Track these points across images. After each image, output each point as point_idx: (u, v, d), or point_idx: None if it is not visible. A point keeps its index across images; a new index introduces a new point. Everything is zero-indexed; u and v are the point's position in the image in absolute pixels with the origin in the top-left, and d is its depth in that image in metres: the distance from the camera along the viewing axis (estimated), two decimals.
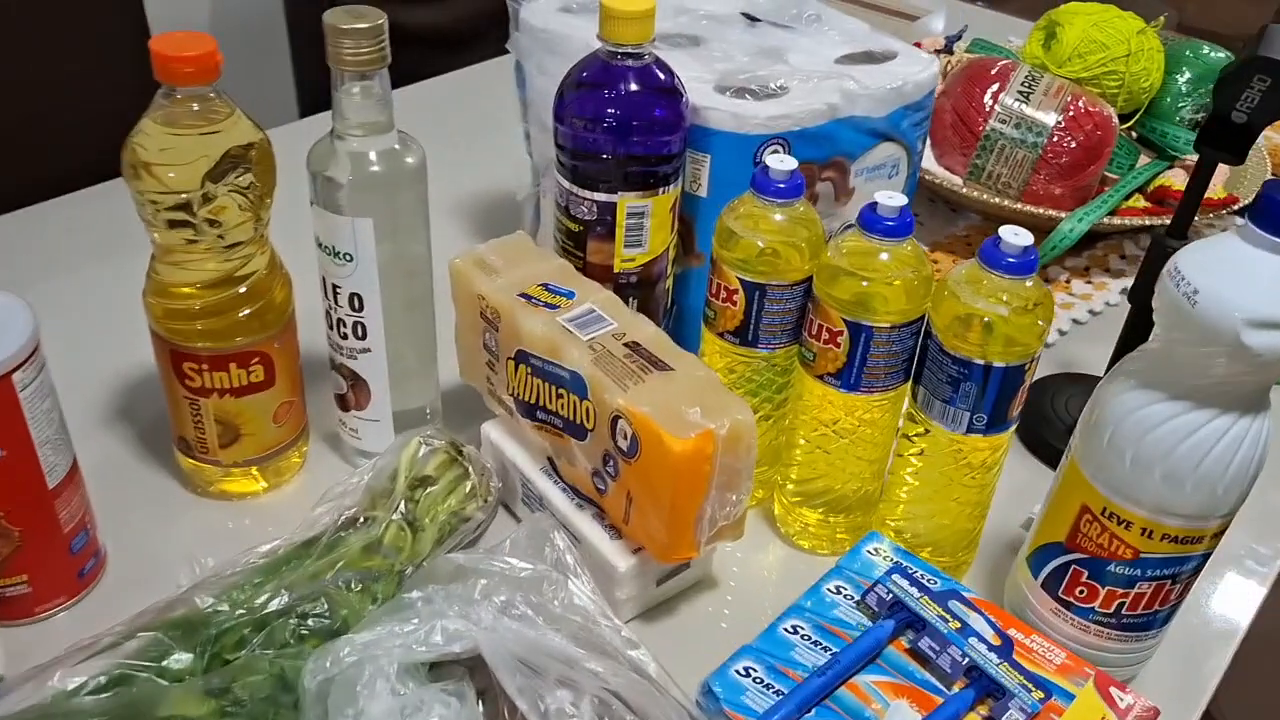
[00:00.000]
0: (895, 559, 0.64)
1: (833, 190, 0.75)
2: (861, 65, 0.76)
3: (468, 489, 0.65)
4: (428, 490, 0.64)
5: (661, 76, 0.66)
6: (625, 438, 0.58)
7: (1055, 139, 0.91)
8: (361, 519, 0.62)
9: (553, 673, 0.52)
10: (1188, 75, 0.98)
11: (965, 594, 0.61)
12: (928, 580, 0.62)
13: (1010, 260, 0.56)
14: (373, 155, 0.62)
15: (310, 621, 0.55)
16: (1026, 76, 0.93)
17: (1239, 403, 0.51)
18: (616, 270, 0.69)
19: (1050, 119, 0.91)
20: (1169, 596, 0.58)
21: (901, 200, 0.58)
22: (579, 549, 0.63)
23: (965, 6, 1.61)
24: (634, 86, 0.65)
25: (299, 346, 0.69)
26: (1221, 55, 0.99)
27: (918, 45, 1.08)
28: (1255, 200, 0.48)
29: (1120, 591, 0.57)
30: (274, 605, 0.55)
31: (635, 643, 0.54)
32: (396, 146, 0.63)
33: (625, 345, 0.61)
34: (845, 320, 0.60)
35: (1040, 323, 0.57)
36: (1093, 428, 0.56)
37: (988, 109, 0.93)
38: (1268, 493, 0.77)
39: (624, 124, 0.65)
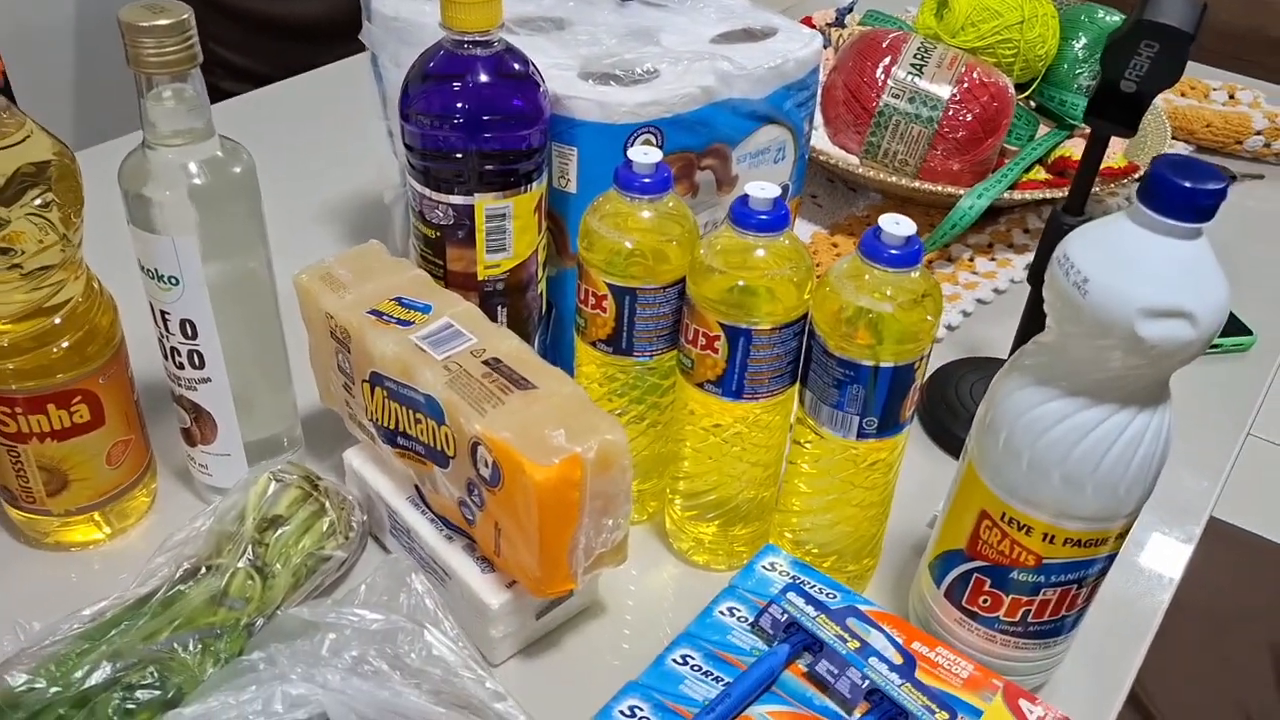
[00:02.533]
0: (792, 574, 0.60)
1: (714, 179, 0.70)
2: (740, 44, 0.71)
3: (325, 526, 0.59)
4: (279, 531, 0.58)
5: (515, 65, 0.60)
6: (486, 465, 0.53)
7: (951, 112, 0.87)
8: (204, 568, 0.56)
9: None
10: (1084, 40, 0.95)
11: (866, 609, 0.57)
12: (826, 595, 0.58)
13: (893, 252, 0.52)
14: (192, 166, 0.55)
15: (139, 694, 0.49)
16: (919, 48, 0.89)
17: (1138, 397, 0.48)
18: (481, 278, 0.64)
19: (945, 91, 0.87)
20: (1076, 601, 0.54)
21: (774, 191, 0.54)
22: (449, 585, 0.58)
23: None
24: (484, 77, 0.59)
25: (132, 379, 0.62)
26: (1118, 19, 0.96)
27: (807, 20, 1.04)
28: (1143, 179, 0.44)
29: (1025, 599, 0.54)
30: (96, 678, 0.49)
31: (503, 694, 0.49)
32: (219, 154, 0.56)
33: (484, 363, 0.56)
34: (722, 324, 0.55)
35: (929, 317, 0.53)
36: (988, 428, 0.52)
37: (880, 84, 0.88)
38: (1173, 477, 0.74)
39: (475, 119, 0.59)
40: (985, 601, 0.55)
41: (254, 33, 1.62)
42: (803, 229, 0.94)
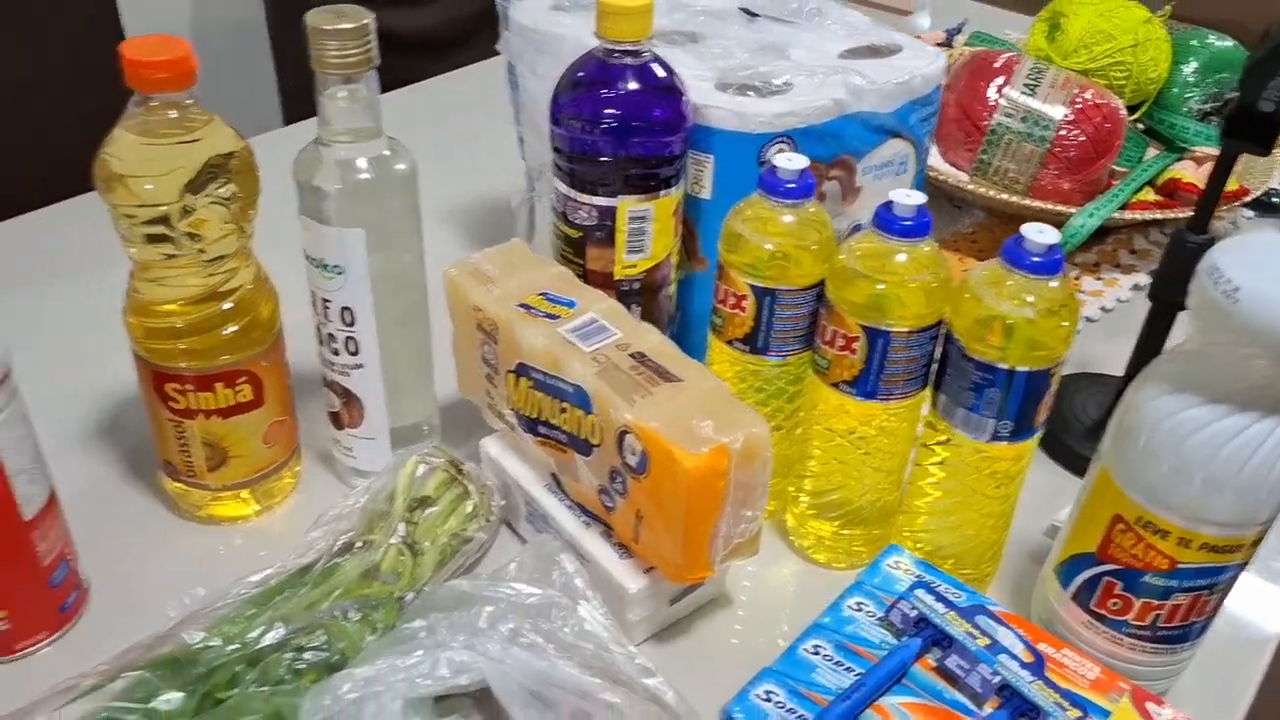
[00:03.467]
0: (917, 573, 0.61)
1: (840, 189, 0.72)
2: (866, 60, 0.73)
3: (469, 509, 0.62)
4: (427, 511, 0.61)
5: (661, 74, 0.63)
6: (634, 454, 0.55)
7: (1063, 132, 0.88)
8: (358, 543, 0.59)
9: (565, 706, 0.49)
10: (1195, 65, 0.96)
11: (992, 608, 0.58)
12: (952, 595, 0.60)
13: (1035, 260, 0.53)
14: (361, 163, 0.59)
15: (307, 655, 0.52)
16: (1032, 69, 0.90)
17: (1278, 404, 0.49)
18: (618, 277, 0.66)
19: (1058, 112, 0.89)
20: (1205, 607, 0.55)
21: (919, 199, 0.56)
22: (587, 570, 0.61)
23: (955, 1, 1.59)
24: (633, 85, 0.62)
25: (288, 363, 0.66)
26: (1229, 44, 0.97)
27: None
28: None
29: (1155, 603, 0.55)
30: (268, 639, 0.52)
31: (651, 670, 0.51)
32: (386, 153, 0.60)
33: (630, 356, 0.58)
34: (861, 325, 0.57)
35: (1066, 324, 0.54)
36: (1125, 434, 0.53)
37: (993, 103, 0.90)
38: None
39: (623, 125, 0.62)
40: (1115, 605, 0.56)
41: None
42: None
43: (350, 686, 0.48)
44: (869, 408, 0.59)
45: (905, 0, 1.42)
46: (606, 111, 0.62)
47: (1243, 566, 0.54)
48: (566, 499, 0.63)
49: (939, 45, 1.04)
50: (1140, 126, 0.99)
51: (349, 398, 0.65)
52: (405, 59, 1.34)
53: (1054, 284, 0.54)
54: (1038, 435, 0.58)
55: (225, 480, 0.65)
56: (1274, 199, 1.05)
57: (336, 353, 0.64)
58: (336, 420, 0.67)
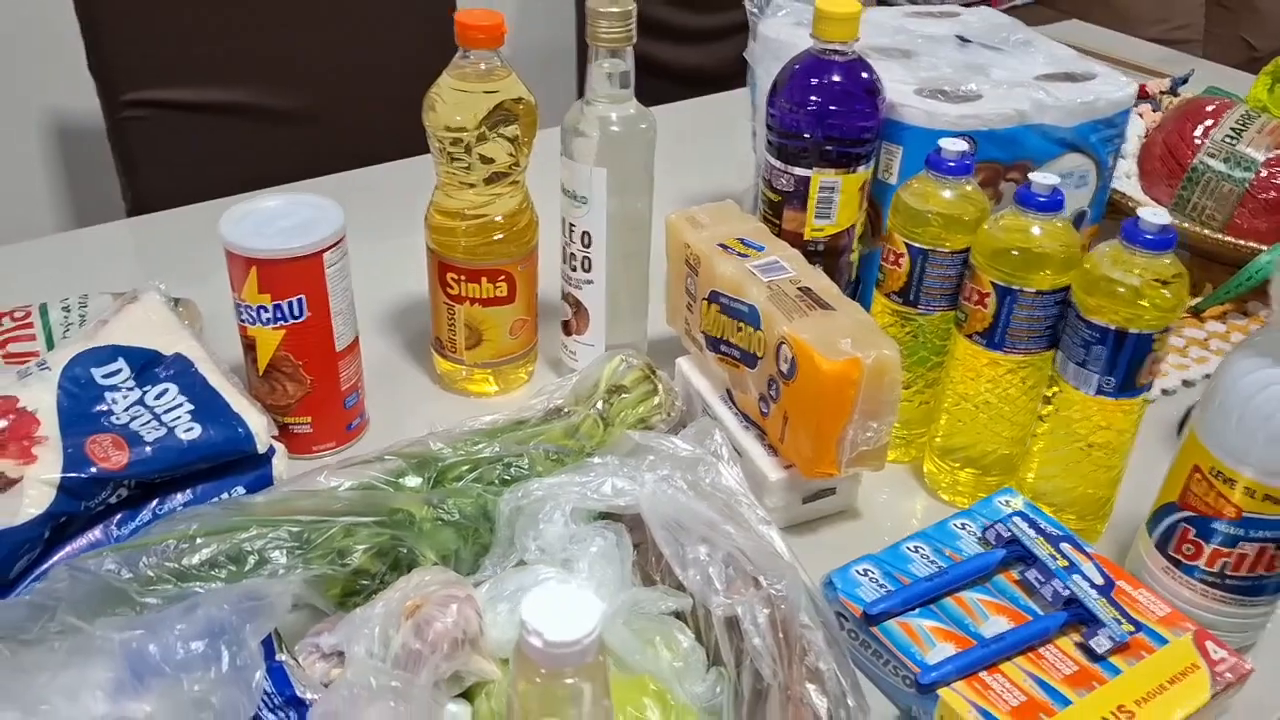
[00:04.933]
0: (1022, 510, 0.70)
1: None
2: (1060, 83, 0.84)
3: (655, 402, 0.77)
4: (622, 396, 0.77)
5: (861, 71, 0.77)
6: (786, 361, 0.68)
7: (1264, 174, 0.94)
8: (566, 410, 0.75)
9: (696, 531, 0.63)
10: None
11: (1082, 546, 0.67)
12: (1048, 528, 0.68)
13: (1148, 237, 0.63)
14: (613, 116, 0.76)
15: (512, 470, 0.69)
16: (1242, 115, 0.96)
17: None
18: (806, 238, 0.80)
19: (1260, 155, 0.94)
20: (1275, 562, 0.61)
21: (1053, 180, 0.66)
22: (742, 463, 0.74)
23: (1230, 71, 1.61)
24: (836, 78, 0.76)
25: (538, 278, 0.83)
26: None
27: (1143, 89, 1.13)
28: None
29: (1224, 551, 0.62)
30: (486, 453, 0.69)
31: (768, 520, 0.64)
32: (633, 111, 0.77)
33: (799, 289, 0.71)
34: (993, 284, 0.68)
35: (1169, 295, 0.63)
36: (1211, 392, 0.61)
37: (1198, 143, 0.96)
38: None
39: (822, 108, 0.76)
40: (1189, 550, 0.63)
41: (650, 77, 1.89)
42: None
43: (538, 487, 0.64)
44: (995, 358, 0.70)
45: (1169, 66, 1.47)
46: (811, 97, 0.76)
47: None
48: (734, 408, 0.77)
49: (1164, 92, 1.11)
50: None
51: (579, 308, 0.82)
52: (677, 89, 1.52)
53: (1166, 260, 0.63)
54: (1143, 397, 0.67)
55: (478, 359, 0.83)
56: None
57: (574, 269, 0.81)
58: (566, 328, 0.84)
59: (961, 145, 0.70)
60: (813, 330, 0.67)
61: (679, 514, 0.63)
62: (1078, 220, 0.87)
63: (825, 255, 0.81)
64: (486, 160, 0.75)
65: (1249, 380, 0.58)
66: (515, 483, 0.68)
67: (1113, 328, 0.64)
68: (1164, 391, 0.89)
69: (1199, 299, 0.97)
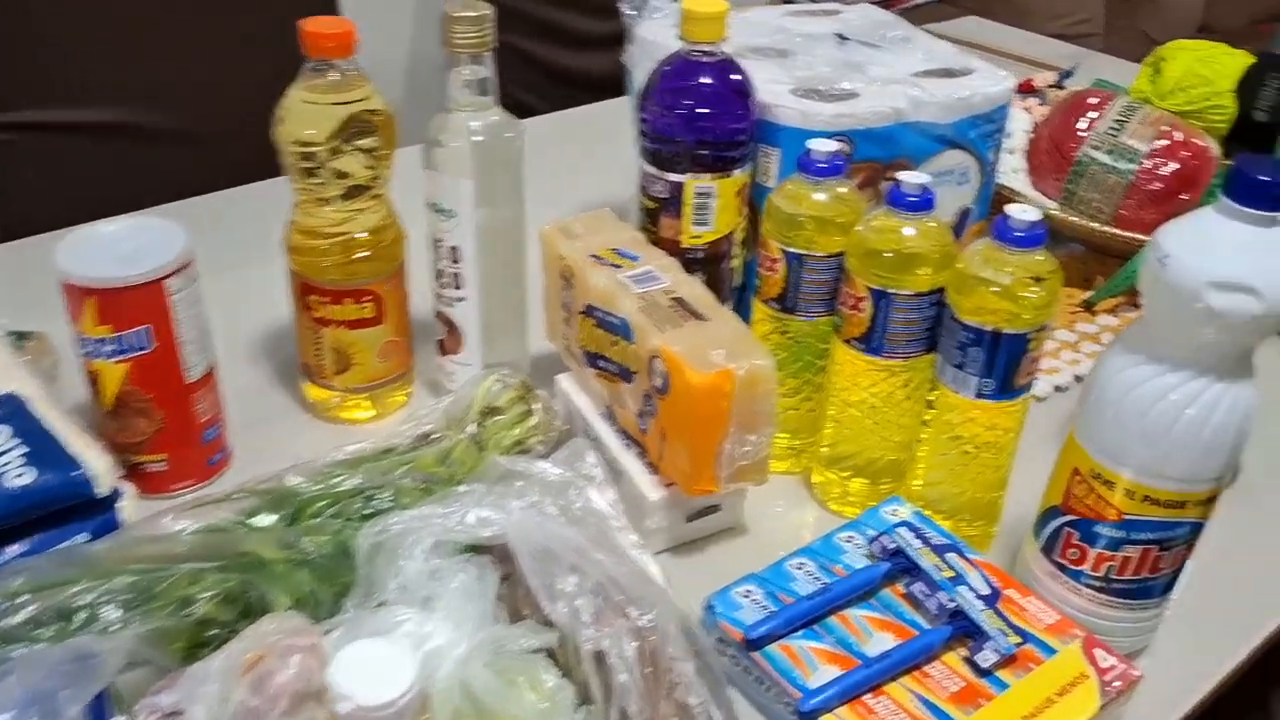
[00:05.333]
0: (910, 520, 0.68)
1: None
2: (938, 79, 0.82)
3: (532, 423, 0.74)
4: (496, 418, 0.73)
5: (731, 72, 0.74)
6: (659, 376, 0.66)
7: (1148, 165, 0.93)
8: (436, 436, 0.72)
9: (565, 560, 0.60)
10: None
11: (968, 554, 0.65)
12: (934, 538, 0.66)
13: (1018, 234, 0.61)
14: (475, 125, 0.73)
15: (374, 503, 0.65)
16: (1125, 107, 0.96)
17: (1215, 368, 0.54)
18: (684, 245, 0.77)
19: (1143, 146, 0.93)
20: (1159, 564, 0.60)
21: (923, 179, 0.64)
22: (622, 483, 0.71)
23: (1126, 64, 1.62)
24: (705, 80, 0.73)
25: (408, 296, 0.80)
26: None
27: (1028, 83, 1.12)
28: (1227, 173, 0.52)
29: (1108, 554, 0.60)
30: (346, 485, 0.65)
31: (642, 546, 0.61)
32: (497, 119, 0.73)
33: (671, 299, 0.69)
34: (869, 288, 0.66)
35: (1042, 293, 0.61)
36: (1086, 391, 0.59)
37: (1082, 136, 0.96)
38: None
39: (693, 111, 0.73)
40: (1073, 554, 0.62)
41: (553, 83, 1.86)
42: None
43: (397, 522, 0.60)
44: (874, 363, 0.68)
45: (1059, 58, 1.47)
46: (680, 99, 0.73)
47: (1198, 527, 0.59)
48: (615, 425, 0.74)
49: (1051, 86, 1.10)
50: None
51: (452, 327, 0.79)
52: (584, 95, 1.49)
53: (1038, 257, 0.61)
54: (1024, 398, 0.65)
55: (349, 384, 0.79)
56: None
57: (445, 286, 0.77)
58: (441, 347, 0.80)
59: (831, 146, 0.68)
60: (684, 342, 0.65)
61: (548, 542, 0.60)
62: (961, 218, 0.85)
63: (706, 263, 0.78)
64: (342, 175, 0.71)
65: (1121, 378, 0.57)
66: (377, 517, 0.65)
67: (988, 329, 0.62)
68: (1057, 388, 0.88)
69: (1091, 293, 0.96)
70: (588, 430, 0.75)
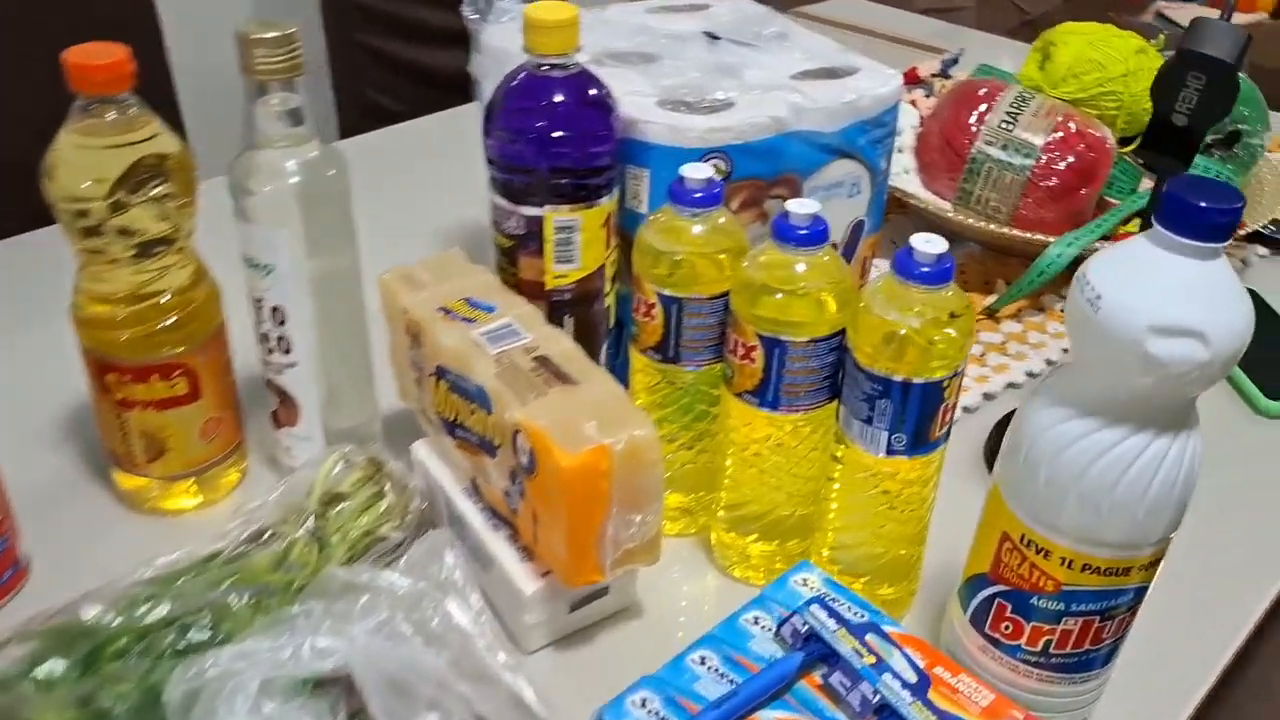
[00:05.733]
0: (822, 590, 0.60)
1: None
2: (819, 81, 0.74)
3: (383, 508, 0.63)
4: (340, 506, 0.63)
5: (589, 88, 0.65)
6: (524, 453, 0.56)
7: (1044, 160, 0.87)
8: (269, 534, 0.61)
9: (422, 694, 0.50)
10: None
11: (889, 628, 0.57)
12: (854, 614, 0.58)
13: (924, 270, 0.53)
14: (290, 166, 0.62)
15: (192, 634, 0.54)
16: (1016, 97, 0.89)
17: (1158, 419, 0.47)
18: (549, 287, 0.67)
19: (1038, 139, 0.87)
20: (1101, 635, 0.53)
21: (813, 207, 0.56)
22: (492, 572, 0.61)
23: (1002, 42, 1.58)
24: (559, 98, 0.64)
25: (230, 361, 0.68)
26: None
27: (912, 71, 1.05)
28: (1159, 199, 0.45)
29: (1046, 628, 0.53)
30: (154, 616, 0.54)
31: (514, 667, 0.52)
32: (316, 157, 0.62)
33: (534, 359, 0.59)
34: (759, 335, 0.57)
35: (956, 335, 0.53)
36: (1011, 448, 0.52)
37: (974, 131, 0.89)
38: (1244, 519, 0.71)
39: (548, 135, 0.63)
40: (1007, 628, 0.54)
41: (409, 82, 1.73)
42: None
43: (214, 663, 0.49)
44: (773, 419, 0.59)
45: (946, 41, 1.42)
46: (533, 122, 0.64)
47: (1141, 591, 0.52)
48: (481, 502, 0.64)
49: (935, 75, 1.04)
50: (1140, 161, 0.97)
51: (285, 397, 0.68)
52: (444, 95, 1.38)
53: (948, 293, 0.54)
54: (939, 450, 0.57)
55: (166, 471, 0.67)
56: None
57: (271, 351, 0.66)
58: (276, 419, 0.69)
59: (706, 171, 0.59)
60: (550, 414, 0.55)
61: (401, 672, 0.50)
62: (855, 232, 0.77)
63: (575, 304, 0.68)
64: (128, 232, 0.60)
65: (1052, 435, 0.49)
66: (193, 653, 0.54)
67: (897, 379, 0.54)
68: (965, 409, 0.81)
69: (993, 298, 0.90)
70: (450, 509, 0.65)
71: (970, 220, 0.89)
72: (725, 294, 0.60)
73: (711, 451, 0.66)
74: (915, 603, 0.65)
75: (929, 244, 0.53)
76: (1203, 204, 0.43)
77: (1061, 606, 0.52)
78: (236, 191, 0.62)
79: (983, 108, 0.89)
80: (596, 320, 0.70)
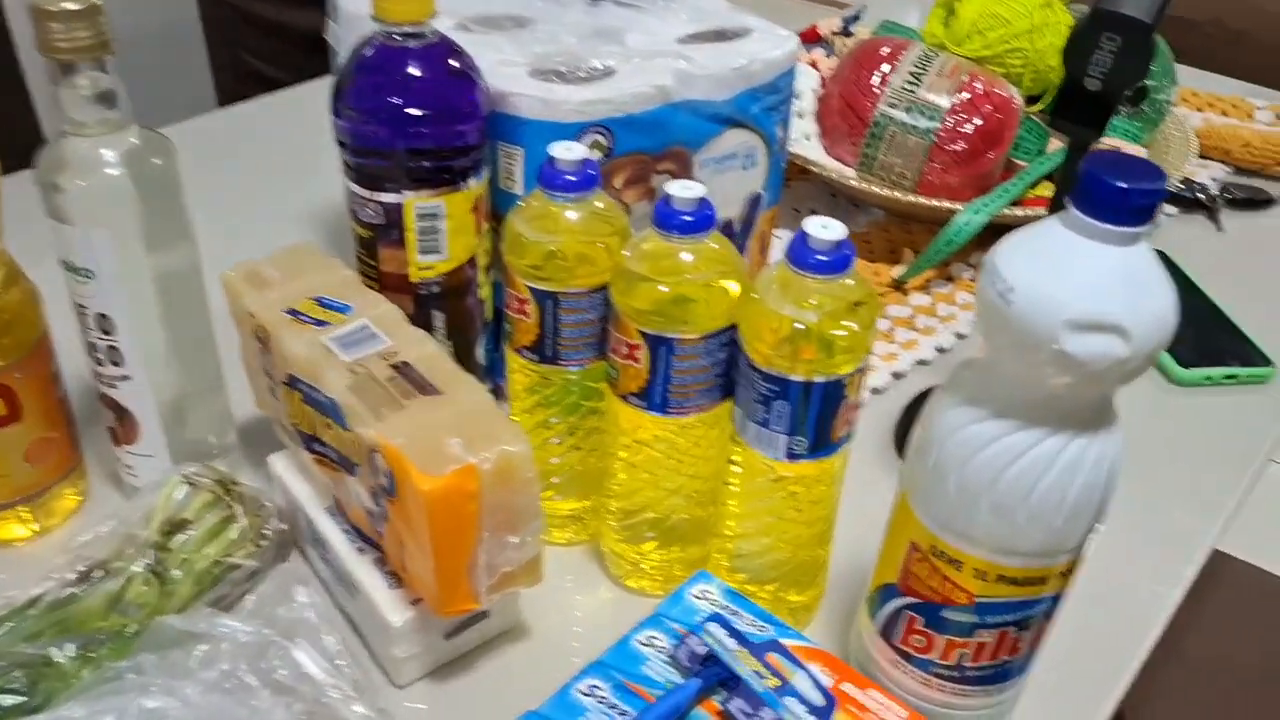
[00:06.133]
0: (723, 603, 0.56)
1: None
2: (707, 45, 0.68)
3: (233, 535, 0.57)
4: (184, 534, 0.56)
5: (449, 59, 0.58)
6: (384, 475, 0.50)
7: (949, 123, 0.83)
8: (102, 571, 0.54)
9: None
10: None
11: (794, 643, 0.53)
12: (756, 628, 0.54)
13: (820, 258, 0.48)
14: (107, 156, 0.54)
15: (2, 699, 0.47)
16: (920, 56, 0.85)
17: (1076, 419, 0.43)
18: (414, 280, 0.61)
19: (944, 101, 0.83)
20: (1018, 645, 0.49)
21: (698, 190, 0.50)
22: (358, 600, 0.55)
23: None
24: (415, 71, 0.57)
25: (56, 376, 0.61)
26: None
27: (812, 29, 1.00)
28: (1077, 178, 0.40)
29: (960, 641, 0.49)
30: None
31: (372, 717, 0.46)
32: (135, 142, 0.55)
33: (392, 367, 0.53)
34: (643, 333, 0.52)
35: (858, 329, 0.48)
36: (919, 451, 0.47)
37: (876, 93, 0.84)
38: (1167, 510, 0.69)
39: (403, 113, 0.56)
40: (919, 642, 0.50)
41: (288, 46, 1.63)
42: None
43: None
44: (662, 422, 0.54)
45: None
46: (385, 99, 0.57)
47: (1058, 599, 0.49)
48: (345, 523, 0.58)
49: (836, 34, 0.99)
50: (1047, 118, 0.93)
51: (121, 412, 0.60)
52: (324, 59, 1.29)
53: (848, 281, 0.49)
54: (842, 450, 0.53)
55: None
56: (1197, 193, 0.99)
57: (100, 363, 0.59)
58: (114, 436, 0.62)
59: (580, 151, 0.53)
60: (409, 431, 0.49)
61: None
62: (752, 205, 0.72)
63: (444, 298, 0.62)
64: None
65: (961, 439, 0.45)
66: (11, 718, 0.47)
67: (794, 378, 0.49)
68: (874, 390, 0.77)
69: (900, 269, 0.86)
70: (311, 528, 0.59)
71: (874, 188, 0.85)
72: (606, 287, 0.54)
73: (597, 452, 0.61)
74: (824, 605, 0.61)
75: (826, 229, 0.48)
76: (1123, 184, 0.38)
77: (975, 619, 0.48)
78: (46, 188, 0.54)
79: (885, 68, 0.85)
80: (470, 315, 0.64)
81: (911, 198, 0.83)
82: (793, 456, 0.51)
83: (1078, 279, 0.40)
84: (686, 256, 0.51)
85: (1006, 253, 0.42)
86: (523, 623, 0.59)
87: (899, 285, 0.85)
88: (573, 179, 0.53)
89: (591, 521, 0.63)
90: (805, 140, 0.88)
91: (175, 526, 0.56)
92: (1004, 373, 0.44)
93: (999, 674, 0.50)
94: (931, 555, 0.47)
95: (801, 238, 0.48)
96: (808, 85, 0.90)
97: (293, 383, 0.56)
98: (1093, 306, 0.39)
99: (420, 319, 0.61)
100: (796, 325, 0.48)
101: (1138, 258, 0.40)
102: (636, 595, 0.61)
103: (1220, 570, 0.68)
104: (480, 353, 0.66)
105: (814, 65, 0.93)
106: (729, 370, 0.53)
